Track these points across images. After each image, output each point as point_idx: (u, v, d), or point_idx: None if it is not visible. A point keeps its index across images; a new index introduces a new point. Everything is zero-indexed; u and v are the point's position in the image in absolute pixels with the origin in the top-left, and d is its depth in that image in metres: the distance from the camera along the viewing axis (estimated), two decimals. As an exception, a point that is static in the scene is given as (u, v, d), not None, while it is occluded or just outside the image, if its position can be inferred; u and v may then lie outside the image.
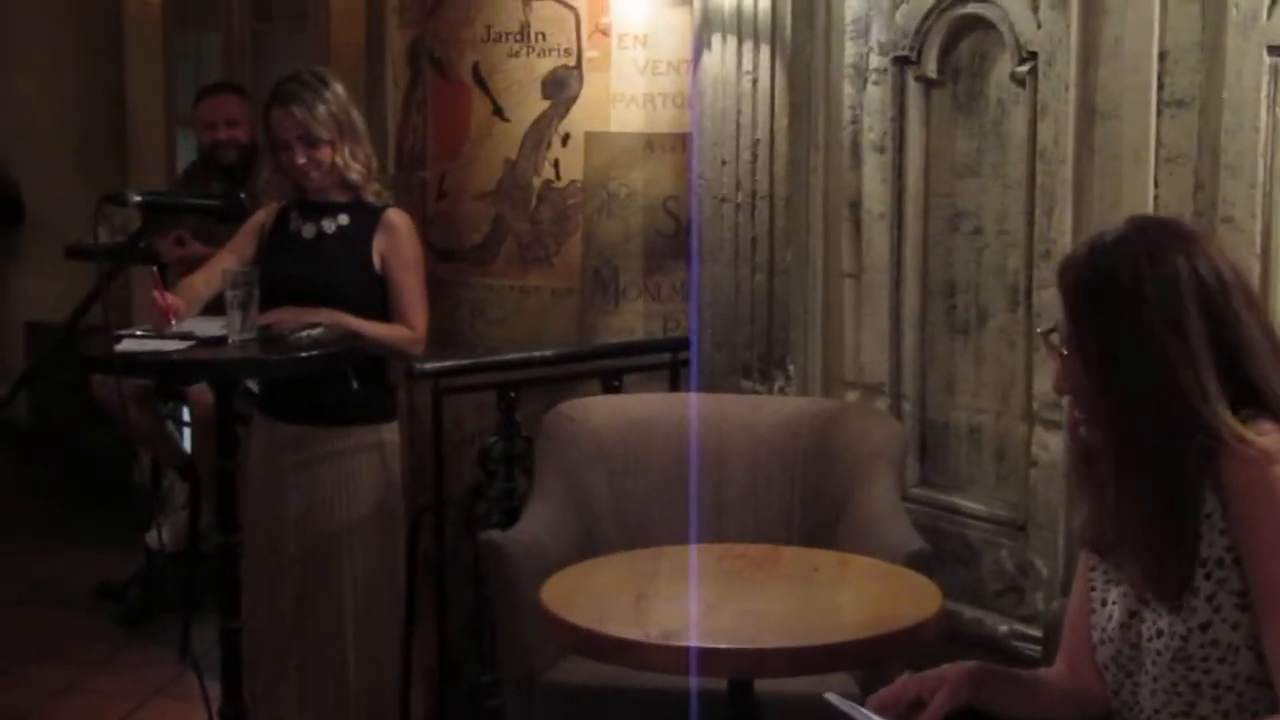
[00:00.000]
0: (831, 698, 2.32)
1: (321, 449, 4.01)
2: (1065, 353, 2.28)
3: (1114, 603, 2.34)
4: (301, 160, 3.96)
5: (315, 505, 4.01)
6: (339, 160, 3.96)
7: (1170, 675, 2.23)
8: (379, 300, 4.01)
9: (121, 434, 5.78)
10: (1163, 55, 3.12)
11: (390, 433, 4.10)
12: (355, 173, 3.99)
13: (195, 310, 3.98)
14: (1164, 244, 2.24)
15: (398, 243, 4.02)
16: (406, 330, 4.00)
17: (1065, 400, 2.40)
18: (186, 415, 5.66)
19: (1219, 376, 2.17)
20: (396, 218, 4.05)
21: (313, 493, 4.01)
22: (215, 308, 3.93)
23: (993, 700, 2.36)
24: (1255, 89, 2.96)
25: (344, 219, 4.03)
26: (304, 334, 3.77)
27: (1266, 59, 2.95)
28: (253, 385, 4.64)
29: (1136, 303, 2.19)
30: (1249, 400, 2.19)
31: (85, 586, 5.89)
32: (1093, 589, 2.39)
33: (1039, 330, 2.36)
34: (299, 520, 4.02)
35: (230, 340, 3.74)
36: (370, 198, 4.03)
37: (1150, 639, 2.26)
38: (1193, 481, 2.18)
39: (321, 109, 3.95)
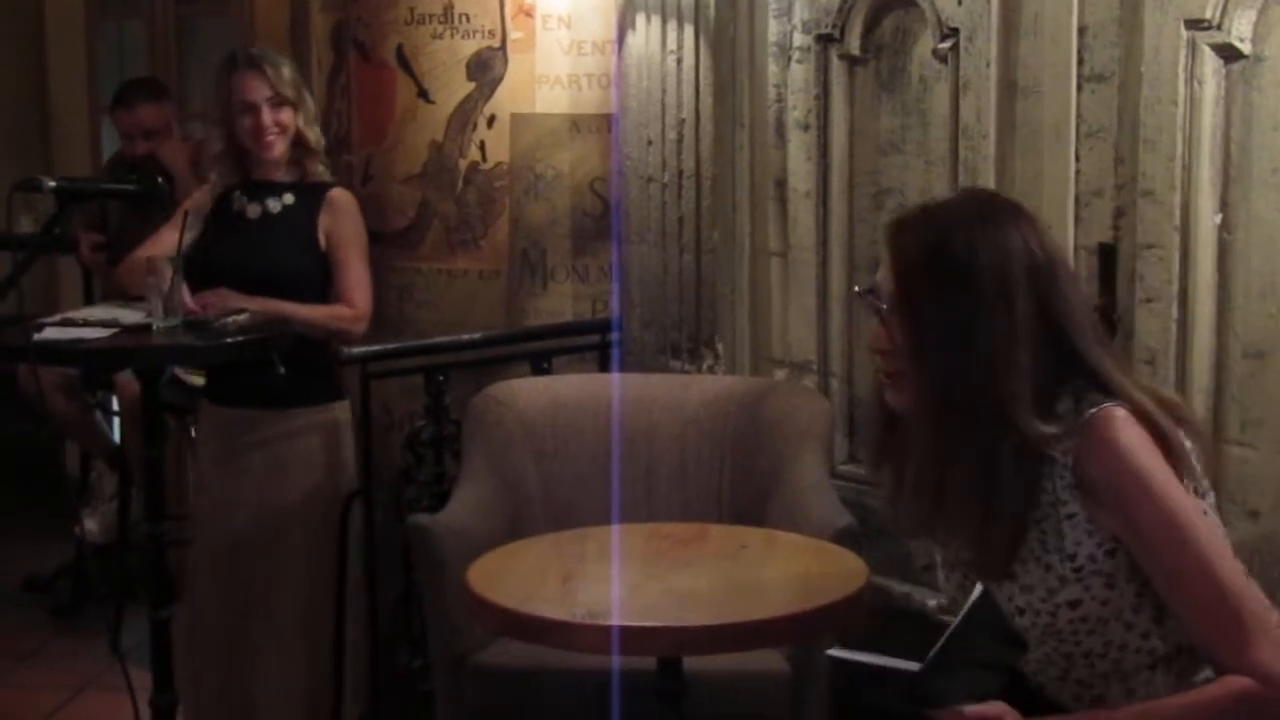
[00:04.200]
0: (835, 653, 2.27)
1: (272, 429, 4.00)
2: (884, 310, 2.26)
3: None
4: (268, 122, 3.93)
5: (267, 486, 4.00)
6: (300, 124, 3.96)
7: (1043, 647, 2.24)
8: (324, 279, 3.99)
9: (50, 424, 5.71)
10: (1082, 30, 3.14)
11: (342, 410, 4.10)
12: (313, 139, 3.98)
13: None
14: (999, 215, 2.24)
15: (342, 220, 4.02)
16: (345, 309, 3.98)
17: (875, 361, 2.36)
18: (115, 405, 5.61)
19: (1044, 350, 2.17)
20: (341, 196, 4.06)
21: (264, 474, 4.00)
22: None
23: None
24: (1173, 63, 2.98)
25: (289, 198, 4.02)
26: (229, 320, 3.75)
27: (1184, 33, 2.96)
28: (183, 374, 4.61)
29: (969, 271, 2.18)
30: (1077, 372, 2.20)
31: (13, 579, 5.84)
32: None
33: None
34: (249, 502, 4.00)
35: (154, 328, 3.71)
36: (321, 169, 4.02)
37: (1013, 616, 2.23)
38: (1008, 469, 2.17)
39: (286, 70, 4.00)
